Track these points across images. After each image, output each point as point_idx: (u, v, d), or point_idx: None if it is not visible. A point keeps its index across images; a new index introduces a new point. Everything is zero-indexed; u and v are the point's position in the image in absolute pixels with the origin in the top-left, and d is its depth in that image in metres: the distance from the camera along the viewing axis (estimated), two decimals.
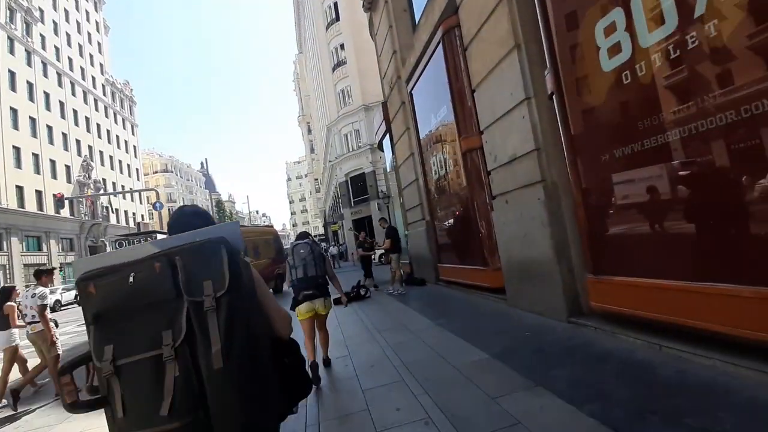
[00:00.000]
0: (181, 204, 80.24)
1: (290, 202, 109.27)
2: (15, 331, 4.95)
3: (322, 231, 59.92)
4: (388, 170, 13.52)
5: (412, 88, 8.90)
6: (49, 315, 4.98)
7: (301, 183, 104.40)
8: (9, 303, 4.94)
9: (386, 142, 12.33)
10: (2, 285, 6.40)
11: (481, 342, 4.21)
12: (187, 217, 1.28)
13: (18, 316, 4.96)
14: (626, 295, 3.54)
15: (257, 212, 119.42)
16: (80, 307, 1.08)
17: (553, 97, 4.20)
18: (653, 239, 3.41)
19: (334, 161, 30.92)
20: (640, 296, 3.40)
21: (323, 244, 38.89)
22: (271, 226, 15.76)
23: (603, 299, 3.84)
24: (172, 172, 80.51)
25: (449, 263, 8.07)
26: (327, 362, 4.30)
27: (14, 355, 4.96)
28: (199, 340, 0.95)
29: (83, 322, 1.09)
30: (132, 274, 1.01)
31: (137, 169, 55.06)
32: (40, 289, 4.96)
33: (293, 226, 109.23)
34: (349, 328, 6.16)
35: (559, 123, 4.17)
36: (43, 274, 5.18)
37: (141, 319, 0.99)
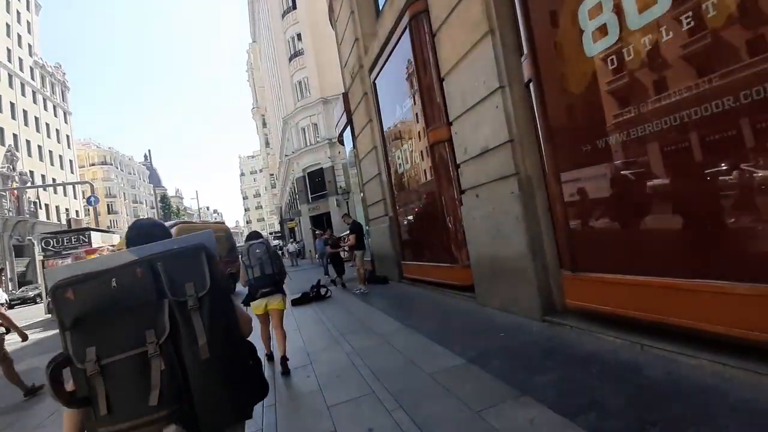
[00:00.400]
0: (122, 199, 75.49)
1: (244, 198, 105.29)
2: None
3: (278, 228, 58.20)
4: (348, 165, 13.03)
5: (376, 78, 8.52)
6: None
7: (255, 178, 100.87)
8: None
9: (347, 134, 11.86)
10: None
11: (454, 345, 3.93)
12: (148, 228, 1.38)
13: None
14: (605, 292, 3.40)
15: (208, 208, 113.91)
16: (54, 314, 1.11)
17: (530, 84, 4.00)
18: (634, 234, 3.28)
19: (291, 155, 29.86)
20: (620, 294, 3.26)
21: (279, 242, 37.69)
22: (223, 223, 14.79)
23: (580, 297, 3.69)
24: (111, 164, 74.62)
25: (414, 261, 7.80)
26: (285, 360, 4.15)
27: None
28: (184, 335, 1.07)
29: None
30: (114, 279, 1.08)
31: (71, 161, 50.38)
32: None
33: (247, 223, 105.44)
34: (309, 331, 5.69)
35: (536, 112, 3.98)
36: None
37: (123, 320, 1.06)
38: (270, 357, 4.48)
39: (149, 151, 29.19)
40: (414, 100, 6.74)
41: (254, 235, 4.53)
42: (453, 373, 3.28)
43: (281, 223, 47.04)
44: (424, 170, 6.82)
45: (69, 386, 1.08)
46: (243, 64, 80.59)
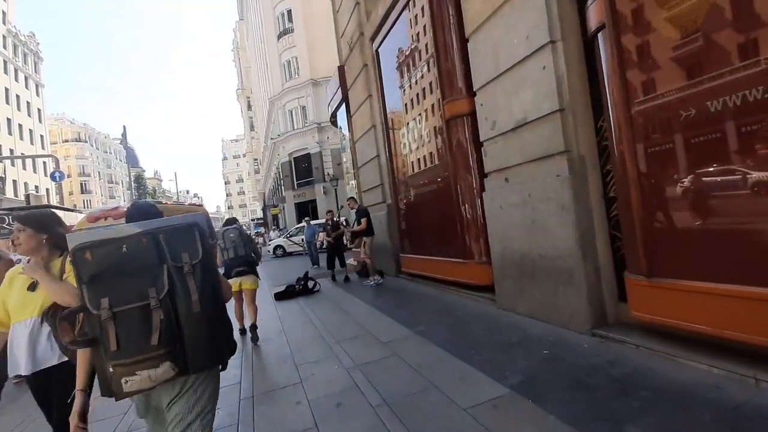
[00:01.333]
0: (96, 178, 72.13)
1: (226, 183, 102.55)
2: None
3: (260, 214, 56.58)
4: (341, 147, 11.99)
5: (379, 46, 7.52)
6: None
7: (238, 163, 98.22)
8: None
9: (341, 114, 10.83)
10: None
11: (484, 363, 3.09)
12: (146, 208, 1.68)
13: None
14: (698, 305, 2.59)
15: (188, 192, 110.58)
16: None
17: (599, 35, 3.12)
18: (741, 233, 2.47)
19: (277, 139, 28.52)
20: (722, 309, 2.46)
21: (261, 229, 36.22)
22: (201, 206, 13.56)
23: (654, 309, 2.87)
24: (86, 141, 71.17)
25: (416, 254, 6.93)
26: (254, 327, 4.82)
27: None
28: (180, 293, 1.34)
29: None
30: (124, 245, 1.35)
31: (42, 136, 47.40)
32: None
33: (228, 208, 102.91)
34: (297, 335, 4.77)
35: (606, 71, 3.11)
36: None
37: (130, 278, 1.33)
38: (243, 331, 4.99)
39: (124, 126, 27.10)
40: (427, 67, 5.80)
41: (231, 221, 5.17)
42: (501, 409, 2.43)
43: (264, 209, 45.49)
44: (435, 151, 5.92)
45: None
46: (228, 43, 77.56)
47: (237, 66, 63.15)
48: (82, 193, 67.68)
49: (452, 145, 5.34)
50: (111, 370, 1.27)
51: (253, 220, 66.50)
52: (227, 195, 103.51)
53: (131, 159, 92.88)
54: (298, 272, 10.05)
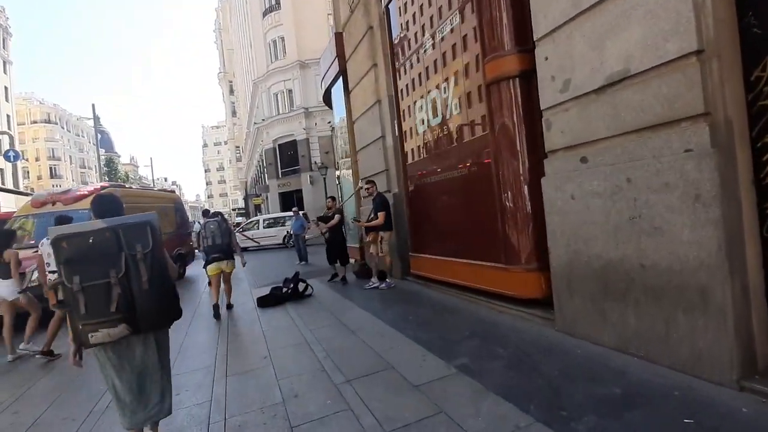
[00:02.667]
0: (67, 162, 68.29)
1: (206, 171, 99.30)
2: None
3: (242, 204, 54.58)
4: (337, 128, 10.65)
5: (389, 1, 6.24)
6: None
7: (219, 150, 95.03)
8: (10, 249, 4.48)
9: (337, 90, 9.52)
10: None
11: None
12: (107, 205, 2.17)
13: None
14: None
15: (166, 179, 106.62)
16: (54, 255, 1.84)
17: None
18: None
19: (261, 124, 26.83)
20: None
21: (243, 219, 34.44)
22: (172, 192, 12.07)
23: None
24: (56, 123, 67.32)
25: (431, 254, 5.75)
26: (230, 306, 5.98)
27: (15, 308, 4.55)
28: (133, 274, 1.83)
29: None
30: (91, 237, 1.84)
31: (8, 116, 44.05)
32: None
33: (208, 197, 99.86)
34: (289, 366, 3.52)
35: None
36: None
37: (96, 262, 1.81)
38: (216, 307, 5.64)
39: (93, 106, 24.34)
40: (460, 18, 4.58)
41: (213, 214, 5.96)
42: None
43: (246, 199, 43.57)
44: (466, 125, 4.73)
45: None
46: (211, 24, 74.16)
47: (219, 48, 60.39)
48: (52, 177, 64.07)
49: (494, 116, 4.14)
50: (80, 327, 1.82)
51: (234, 210, 64.25)
52: (207, 183, 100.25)
53: (105, 143, 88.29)
54: (281, 270, 8.84)
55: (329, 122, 25.39)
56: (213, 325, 5.31)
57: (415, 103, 5.78)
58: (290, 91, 25.29)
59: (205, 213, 5.92)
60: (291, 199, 25.45)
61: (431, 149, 5.53)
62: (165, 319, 2.03)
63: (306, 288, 6.42)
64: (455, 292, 5.13)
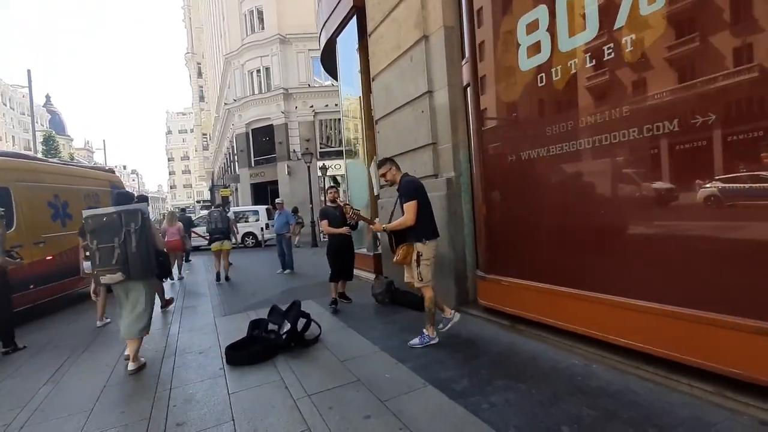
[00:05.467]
0: (10, 143, 61.22)
1: (169, 160, 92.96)
2: None
3: (207, 196, 50.48)
4: (342, 95, 8.06)
5: None
6: None
7: (184, 139, 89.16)
8: None
9: (346, 40, 7.04)
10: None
11: None
12: (122, 198, 3.69)
13: None
14: None
15: (124, 167, 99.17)
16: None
17: None
18: None
19: (232, 105, 23.68)
20: None
21: (205, 212, 30.96)
22: (112, 171, 9.14)
23: None
24: None
25: (535, 279, 3.38)
26: (227, 278, 7.83)
27: None
28: (127, 242, 3.28)
29: None
30: (105, 217, 3.29)
31: None
32: None
33: (171, 188, 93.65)
34: None
35: None
36: None
37: (106, 233, 3.27)
38: (218, 276, 7.79)
39: (29, 71, 20.94)
40: None
41: (216, 205, 9.64)
42: None
43: (212, 190, 39.77)
44: (653, 60, 2.43)
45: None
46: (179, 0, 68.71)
47: (187, 27, 55.70)
48: None
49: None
50: (95, 272, 3.33)
51: (198, 202, 59.68)
52: (170, 173, 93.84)
53: (56, 125, 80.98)
54: (259, 281, 6.37)
55: (311, 106, 22.83)
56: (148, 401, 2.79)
57: (517, 23, 3.39)
58: (267, 69, 22.34)
59: (217, 205, 7.32)
60: (265, 191, 22.56)
61: (559, 98, 3.15)
62: (146, 273, 3.44)
63: (307, 325, 3.94)
64: (577, 345, 2.86)
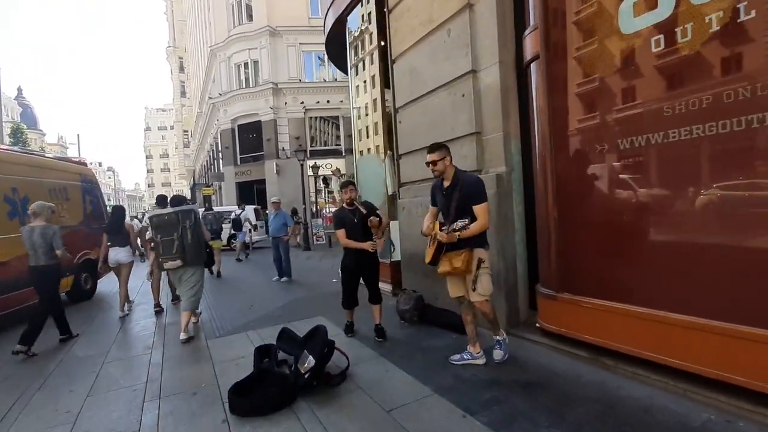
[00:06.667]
0: None
1: (147, 157, 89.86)
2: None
3: (188, 195, 48.55)
4: (353, 83, 7.14)
5: None
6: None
7: (164, 135, 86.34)
8: (128, 221, 5.99)
9: (357, 19, 6.25)
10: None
11: None
12: (178, 200, 5.00)
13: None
14: None
15: (100, 165, 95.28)
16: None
17: None
18: None
19: (217, 99, 22.47)
20: None
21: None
22: (84, 163, 8.08)
23: None
24: None
25: (633, 302, 2.66)
26: (219, 275, 8.56)
27: (130, 269, 5.69)
28: (184, 235, 4.22)
29: None
30: (166, 216, 4.29)
31: None
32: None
33: (149, 186, 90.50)
34: None
35: None
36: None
37: (167, 229, 4.22)
38: (210, 272, 8.51)
39: None
40: None
41: (207, 207, 10.37)
42: None
43: (193, 188, 38.10)
44: None
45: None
46: None
47: (169, 19, 53.76)
48: None
49: None
50: (160, 260, 4.29)
51: (177, 195, 57.46)
52: (148, 171, 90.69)
53: (28, 118, 77.02)
54: (252, 292, 5.59)
55: (302, 102, 21.82)
56: None
57: None
58: (256, 62, 21.28)
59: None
60: (251, 191, 21.46)
61: (690, 65, 2.34)
62: (198, 260, 4.39)
63: (329, 354, 3.10)
64: (728, 401, 2.15)
